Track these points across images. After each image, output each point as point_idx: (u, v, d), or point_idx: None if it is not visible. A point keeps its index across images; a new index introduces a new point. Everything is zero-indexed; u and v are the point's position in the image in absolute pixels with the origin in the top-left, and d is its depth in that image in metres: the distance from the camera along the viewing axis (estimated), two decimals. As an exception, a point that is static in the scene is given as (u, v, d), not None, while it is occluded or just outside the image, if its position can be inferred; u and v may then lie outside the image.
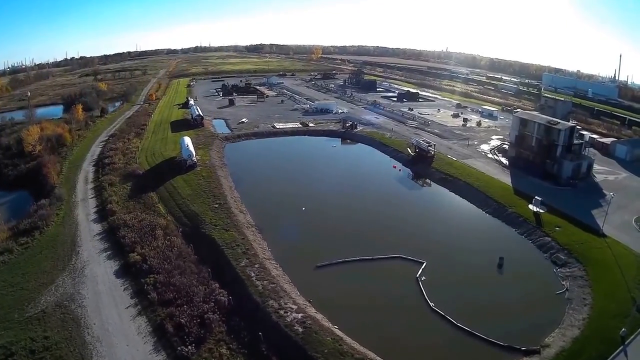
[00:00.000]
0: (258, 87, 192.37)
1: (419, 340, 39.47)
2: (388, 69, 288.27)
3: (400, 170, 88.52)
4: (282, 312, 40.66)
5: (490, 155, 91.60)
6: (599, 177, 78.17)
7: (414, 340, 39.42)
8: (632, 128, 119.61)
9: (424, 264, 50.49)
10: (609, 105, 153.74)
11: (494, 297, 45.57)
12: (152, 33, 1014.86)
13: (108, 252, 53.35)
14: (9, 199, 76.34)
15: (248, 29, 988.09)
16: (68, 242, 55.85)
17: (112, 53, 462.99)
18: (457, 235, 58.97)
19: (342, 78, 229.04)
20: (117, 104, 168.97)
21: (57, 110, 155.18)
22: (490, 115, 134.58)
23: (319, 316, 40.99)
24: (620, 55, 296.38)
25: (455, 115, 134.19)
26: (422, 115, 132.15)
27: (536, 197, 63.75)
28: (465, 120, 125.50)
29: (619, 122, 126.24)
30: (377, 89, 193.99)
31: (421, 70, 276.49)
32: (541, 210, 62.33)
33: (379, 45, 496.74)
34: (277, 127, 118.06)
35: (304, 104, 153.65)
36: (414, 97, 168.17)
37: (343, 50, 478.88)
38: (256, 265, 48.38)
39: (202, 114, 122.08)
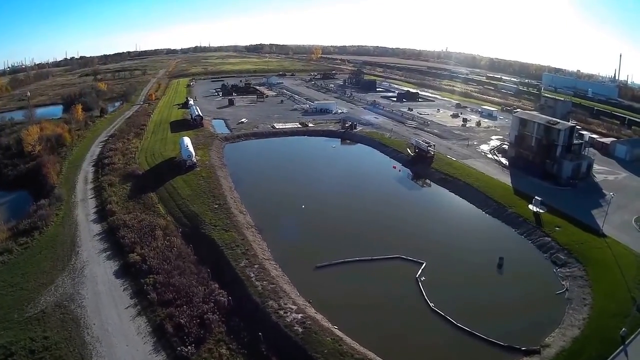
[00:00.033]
0: (258, 87, 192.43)
1: (418, 341, 39.44)
2: (388, 68, 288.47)
3: (399, 170, 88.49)
4: (281, 312, 40.62)
5: (489, 156, 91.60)
6: (598, 177, 78.17)
7: (413, 340, 39.40)
8: (632, 128, 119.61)
9: (424, 264, 50.46)
10: (609, 105, 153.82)
11: (493, 297, 45.55)
12: (151, 33, 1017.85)
13: (108, 253, 53.28)
14: (9, 199, 76.26)
15: (248, 29, 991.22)
16: (68, 242, 55.80)
17: (111, 53, 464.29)
18: (457, 236, 58.94)
19: (341, 78, 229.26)
20: (117, 104, 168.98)
21: (57, 110, 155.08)
22: (490, 115, 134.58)
23: (319, 316, 40.95)
24: (620, 55, 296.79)
25: (455, 115, 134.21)
26: (421, 115, 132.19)
27: (536, 197, 63.73)
28: (464, 120, 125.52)
29: (618, 122, 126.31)
30: (377, 89, 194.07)
31: (421, 70, 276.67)
32: (541, 210, 62.32)
33: (379, 45, 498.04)
34: (277, 127, 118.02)
35: (304, 104, 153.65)
36: (413, 97, 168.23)
37: (343, 50, 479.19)
38: (256, 266, 48.34)
39: (201, 114, 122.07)
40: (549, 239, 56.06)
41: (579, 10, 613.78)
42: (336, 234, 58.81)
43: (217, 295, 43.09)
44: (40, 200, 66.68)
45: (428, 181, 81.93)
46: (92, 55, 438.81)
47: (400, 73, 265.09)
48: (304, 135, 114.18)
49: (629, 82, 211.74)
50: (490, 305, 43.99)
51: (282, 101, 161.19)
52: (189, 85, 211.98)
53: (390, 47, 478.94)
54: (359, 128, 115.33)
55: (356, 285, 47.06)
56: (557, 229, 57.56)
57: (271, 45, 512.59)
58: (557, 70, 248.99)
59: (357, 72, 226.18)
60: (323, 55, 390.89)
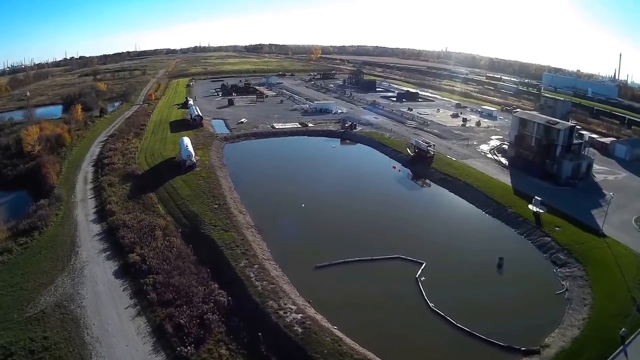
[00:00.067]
0: (257, 87, 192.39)
1: (418, 341, 39.44)
2: (387, 68, 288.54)
3: (399, 170, 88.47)
4: (281, 312, 40.60)
5: (489, 155, 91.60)
6: (598, 177, 78.16)
7: (413, 340, 39.40)
8: (632, 127, 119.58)
9: (424, 264, 50.44)
10: (609, 104, 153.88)
11: (493, 297, 45.53)
12: (151, 33, 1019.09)
13: (107, 253, 53.24)
14: (8, 199, 76.19)
15: (247, 28, 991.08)
16: (67, 242, 55.76)
17: (111, 53, 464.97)
18: (457, 236, 58.93)
19: (341, 78, 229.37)
20: (117, 104, 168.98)
21: (57, 110, 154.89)
22: (490, 115, 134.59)
23: (319, 317, 40.93)
24: (620, 55, 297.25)
25: (455, 115, 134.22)
26: (421, 115, 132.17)
27: (536, 197, 63.71)
28: (464, 120, 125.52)
29: (618, 122, 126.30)
30: (377, 89, 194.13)
31: (421, 70, 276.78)
32: (541, 210, 62.32)
33: (379, 45, 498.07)
34: (277, 127, 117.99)
35: (303, 104, 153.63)
36: (413, 97, 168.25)
37: (342, 50, 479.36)
38: (255, 266, 48.32)
39: (201, 114, 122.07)
40: (549, 239, 56.04)
41: (578, 10, 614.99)
42: (336, 234, 58.80)
43: (217, 296, 43.07)
44: (39, 201, 66.61)
45: (428, 181, 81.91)
46: (92, 55, 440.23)
47: (400, 73, 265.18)
48: (304, 135, 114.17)
49: (628, 82, 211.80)
50: (490, 306, 43.97)
51: (281, 101, 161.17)
52: (188, 85, 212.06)
53: (390, 47, 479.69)
54: (358, 128, 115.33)
55: (356, 286, 47.03)
56: (557, 229, 57.56)
57: (270, 45, 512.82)
58: (557, 70, 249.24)
59: (357, 72, 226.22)
60: (322, 55, 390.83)
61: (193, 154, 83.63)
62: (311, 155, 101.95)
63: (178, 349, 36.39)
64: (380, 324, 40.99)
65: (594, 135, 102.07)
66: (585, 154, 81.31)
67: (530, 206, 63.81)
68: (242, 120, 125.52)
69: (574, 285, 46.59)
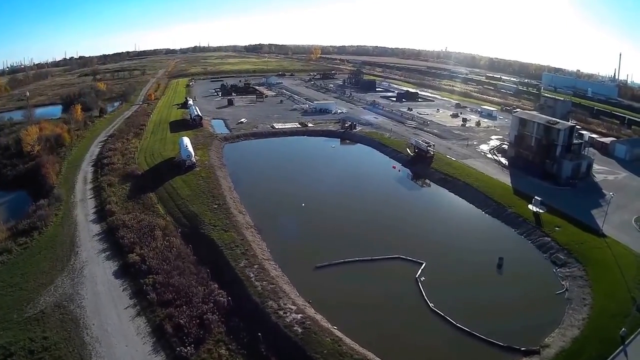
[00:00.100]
0: (257, 87, 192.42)
1: (418, 341, 39.40)
2: (387, 68, 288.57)
3: (399, 170, 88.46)
4: (281, 312, 40.58)
5: (489, 155, 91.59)
6: (598, 177, 78.16)
7: (413, 340, 39.36)
8: (632, 127, 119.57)
9: (424, 264, 50.42)
10: (609, 104, 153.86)
11: (493, 297, 45.49)
12: (151, 33, 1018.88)
13: (107, 253, 53.20)
14: (8, 199, 76.14)
15: (247, 28, 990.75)
16: (67, 242, 55.73)
17: (111, 53, 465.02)
18: (457, 236, 58.91)
19: (341, 78, 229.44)
20: (116, 104, 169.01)
21: (56, 110, 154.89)
22: (490, 115, 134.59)
23: (319, 317, 40.91)
24: (620, 55, 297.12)
25: (455, 115, 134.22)
26: (421, 115, 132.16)
27: (536, 197, 63.69)
28: (464, 120, 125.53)
29: (618, 122, 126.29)
30: (377, 89, 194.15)
31: (420, 70, 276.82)
32: (541, 210, 62.31)
33: (378, 45, 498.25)
34: (276, 127, 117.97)
35: (303, 104, 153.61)
36: (413, 97, 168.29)
37: (342, 50, 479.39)
38: (255, 266, 48.29)
39: (201, 114, 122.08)
40: (549, 239, 56.03)
41: (578, 9, 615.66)
42: (336, 234, 58.77)
43: (217, 296, 43.04)
44: (39, 201, 66.57)
45: (428, 181, 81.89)
46: (91, 55, 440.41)
47: (399, 73, 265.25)
48: (304, 135, 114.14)
49: (628, 82, 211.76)
50: (490, 306, 43.95)
51: (281, 101, 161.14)
52: (188, 85, 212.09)
53: (390, 47, 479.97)
54: (358, 128, 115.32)
55: (356, 286, 47.00)
56: (556, 228, 57.55)
57: (270, 45, 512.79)
58: (557, 70, 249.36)
59: (357, 72, 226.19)
60: (322, 55, 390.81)
61: (193, 154, 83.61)
62: (311, 156, 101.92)
63: (178, 349, 36.36)
64: (380, 324, 40.97)
65: (594, 135, 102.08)
66: (585, 154, 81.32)
67: (530, 206, 63.80)
68: (242, 120, 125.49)
69: (574, 285, 46.58)
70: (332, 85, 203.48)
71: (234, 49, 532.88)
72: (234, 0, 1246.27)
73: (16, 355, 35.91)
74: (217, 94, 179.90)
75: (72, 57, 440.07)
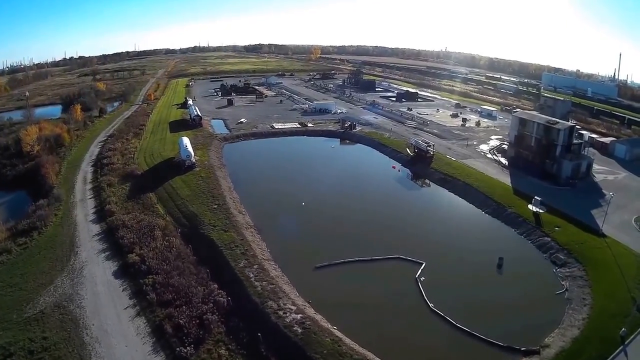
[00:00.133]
0: (257, 87, 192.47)
1: (418, 341, 39.36)
2: (387, 68, 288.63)
3: (399, 170, 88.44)
4: (281, 312, 40.56)
5: (489, 155, 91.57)
6: (598, 177, 78.13)
7: (413, 341, 39.32)
8: (632, 127, 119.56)
9: (423, 264, 50.39)
10: (609, 104, 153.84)
11: (493, 297, 45.48)
12: (150, 33, 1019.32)
13: (107, 253, 53.17)
14: (7, 200, 76.09)
15: (247, 28, 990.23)
16: (67, 242, 55.70)
17: (110, 53, 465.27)
18: (457, 236, 58.89)
19: (341, 78, 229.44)
20: (116, 104, 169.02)
21: (56, 110, 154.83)
22: (490, 115, 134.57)
23: (318, 317, 40.88)
24: (620, 54, 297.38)
25: (454, 115, 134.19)
26: (421, 115, 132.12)
27: (536, 197, 63.66)
28: (464, 120, 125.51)
29: (618, 122, 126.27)
30: (376, 89, 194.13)
31: (420, 70, 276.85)
32: (541, 210, 62.29)
33: (378, 45, 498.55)
34: (276, 127, 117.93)
35: (303, 104, 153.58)
36: (413, 97, 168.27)
37: (342, 50, 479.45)
38: (255, 266, 48.26)
39: (200, 114, 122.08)
40: (549, 239, 56.01)
41: (578, 9, 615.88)
42: (335, 234, 58.73)
43: (217, 296, 43.02)
44: (39, 201, 66.53)
45: (427, 181, 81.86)
46: (91, 55, 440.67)
47: (399, 73, 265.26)
48: (303, 136, 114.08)
49: (628, 82, 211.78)
50: (490, 306, 43.94)
51: (281, 101, 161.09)
52: (188, 85, 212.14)
53: (390, 47, 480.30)
54: (358, 128, 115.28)
55: (355, 286, 46.97)
56: (556, 228, 57.52)
57: (270, 45, 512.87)
58: (557, 70, 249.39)
59: (356, 72, 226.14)
60: (322, 55, 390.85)
61: (192, 154, 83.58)
62: (311, 156, 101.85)
63: (177, 349, 36.34)
64: (379, 324, 40.94)
65: (594, 135, 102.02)
66: (585, 153, 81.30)
67: (530, 206, 63.78)
68: (242, 120, 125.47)
69: (574, 285, 46.56)
70: (331, 85, 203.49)
71: (234, 49, 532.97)
72: (234, 1, 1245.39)
73: (16, 356, 35.88)
74: (217, 94, 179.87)
75: (71, 57, 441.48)
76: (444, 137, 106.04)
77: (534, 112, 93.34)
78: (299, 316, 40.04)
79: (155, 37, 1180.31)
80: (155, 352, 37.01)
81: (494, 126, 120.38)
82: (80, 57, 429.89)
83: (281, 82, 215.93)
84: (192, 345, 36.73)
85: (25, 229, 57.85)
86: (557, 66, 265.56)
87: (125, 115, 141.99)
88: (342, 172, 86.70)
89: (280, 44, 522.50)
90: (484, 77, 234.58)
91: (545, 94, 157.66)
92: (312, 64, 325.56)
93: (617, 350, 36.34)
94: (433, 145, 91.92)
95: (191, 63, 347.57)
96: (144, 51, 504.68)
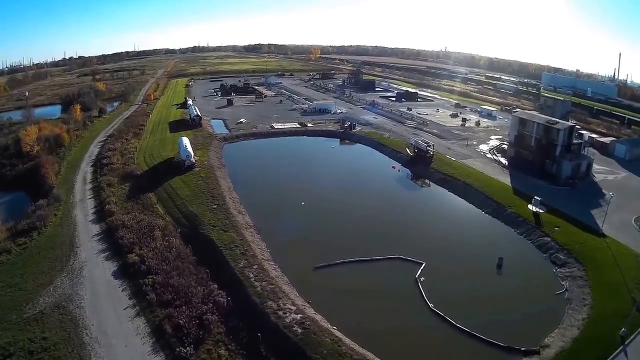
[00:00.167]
0: (256, 87, 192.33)
1: (418, 341, 39.35)
2: (387, 68, 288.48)
3: (399, 170, 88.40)
4: (280, 313, 40.53)
5: (489, 155, 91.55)
6: (598, 177, 78.11)
7: (413, 341, 39.30)
8: (632, 127, 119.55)
9: (423, 264, 50.38)
10: (609, 104, 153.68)
11: (493, 297, 45.45)
12: (150, 33, 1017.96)
13: (106, 253, 53.16)
14: (7, 200, 76.10)
15: (246, 29, 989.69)
16: (66, 242, 55.67)
17: (110, 53, 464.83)
18: (456, 236, 58.86)
19: (340, 78, 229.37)
20: (115, 104, 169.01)
21: (55, 110, 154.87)
22: (489, 115, 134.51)
23: (318, 317, 40.86)
24: (620, 54, 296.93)
25: (454, 115, 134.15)
26: (420, 115, 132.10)
27: (535, 197, 63.65)
28: (464, 120, 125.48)
29: (618, 122, 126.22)
30: (376, 89, 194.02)
31: (420, 69, 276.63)
32: (540, 210, 62.27)
33: (378, 45, 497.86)
34: (276, 127, 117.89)
35: (303, 104, 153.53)
36: (412, 96, 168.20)
37: (342, 50, 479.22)
38: (255, 266, 48.24)
39: (200, 114, 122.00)
40: (549, 238, 55.99)
41: (577, 10, 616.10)
42: (335, 234, 58.68)
43: (216, 296, 43.00)
44: (38, 201, 66.52)
45: (427, 181, 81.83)
46: (91, 55, 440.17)
47: (399, 73, 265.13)
48: (303, 136, 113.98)
49: (628, 82, 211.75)
50: (490, 306, 43.90)
51: (281, 101, 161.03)
52: (187, 85, 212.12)
53: (389, 47, 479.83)
54: (358, 128, 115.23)
55: (355, 286, 46.95)
56: (556, 228, 57.50)
57: (270, 45, 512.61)
58: (557, 70, 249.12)
59: (356, 72, 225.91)
60: (322, 55, 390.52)
61: (192, 154, 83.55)
62: (310, 156, 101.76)
63: (177, 349, 36.33)
64: (379, 325, 40.86)
65: (594, 135, 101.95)
66: (585, 153, 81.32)
67: (529, 206, 63.76)
68: (241, 120, 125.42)
69: (574, 285, 46.54)
70: (331, 85, 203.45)
71: (234, 48, 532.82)
72: (233, 3, 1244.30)
73: (15, 356, 35.89)
74: (217, 94, 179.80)
75: (71, 57, 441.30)
76: (443, 137, 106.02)
77: (534, 112, 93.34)
78: (298, 316, 40.01)
79: (155, 38, 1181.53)
80: (155, 352, 36.99)
81: (494, 126, 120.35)
82: (79, 57, 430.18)
83: (281, 82, 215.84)
84: (192, 346, 36.71)
85: (25, 229, 57.84)
86: (556, 66, 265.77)
87: (125, 115, 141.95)
88: (342, 172, 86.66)
89: (279, 44, 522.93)
90: (483, 77, 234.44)
91: (545, 94, 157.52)
92: (312, 64, 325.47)
93: (617, 351, 36.30)
94: (433, 145, 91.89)
95: (191, 63, 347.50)
96: (144, 51, 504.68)
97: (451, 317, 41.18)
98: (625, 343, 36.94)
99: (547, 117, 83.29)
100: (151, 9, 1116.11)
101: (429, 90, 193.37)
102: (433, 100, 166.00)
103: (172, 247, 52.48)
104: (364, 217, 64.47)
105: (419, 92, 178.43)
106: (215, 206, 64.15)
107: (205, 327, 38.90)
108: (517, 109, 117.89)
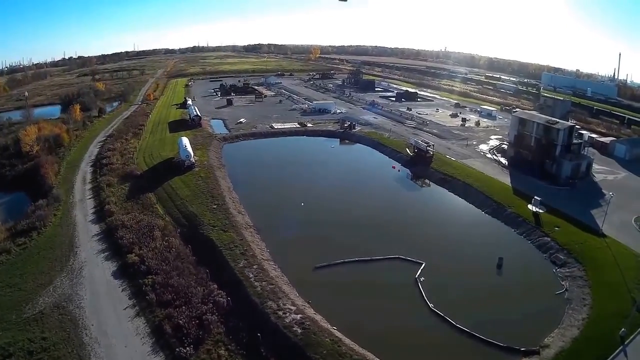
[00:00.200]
0: (256, 87, 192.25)
1: (417, 341, 39.29)
2: (387, 68, 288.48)
3: (399, 170, 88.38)
4: (280, 313, 40.51)
5: (489, 155, 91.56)
6: (598, 177, 78.14)
7: (413, 341, 39.24)
8: (632, 127, 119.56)
9: (423, 264, 50.36)
10: (608, 104, 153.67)
11: (493, 297, 45.44)
12: (150, 33, 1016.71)
13: (106, 253, 53.12)
14: (7, 200, 75.97)
15: (246, 29, 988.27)
16: (66, 242, 55.62)
17: (110, 53, 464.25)
18: (456, 236, 58.86)
19: (340, 78, 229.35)
20: (115, 104, 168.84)
21: (55, 110, 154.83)
22: (489, 115, 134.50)
23: (318, 317, 40.83)
24: (620, 54, 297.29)
25: (454, 115, 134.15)
26: (420, 115, 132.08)
27: (535, 197, 63.64)
28: (463, 120, 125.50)
29: (618, 121, 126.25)
30: (376, 89, 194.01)
31: (420, 69, 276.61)
32: (540, 210, 62.25)
33: (378, 45, 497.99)
34: (276, 127, 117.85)
35: (302, 104, 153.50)
36: (412, 96, 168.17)
37: (341, 50, 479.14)
38: (255, 266, 48.20)
39: (200, 114, 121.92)
40: (549, 239, 55.98)
41: (577, 10, 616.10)
42: (335, 234, 58.56)
43: (216, 296, 42.97)
44: (38, 201, 66.46)
45: (427, 181, 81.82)
46: (90, 55, 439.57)
47: (399, 73, 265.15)
48: (303, 136, 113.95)
49: (628, 81, 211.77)
50: (490, 306, 43.87)
51: (280, 101, 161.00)
52: (187, 85, 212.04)
53: (389, 47, 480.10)
54: (357, 128, 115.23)
55: (355, 286, 46.94)
56: (556, 228, 57.49)
57: (269, 45, 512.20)
58: (556, 70, 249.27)
59: (356, 72, 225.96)
60: (321, 55, 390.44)
61: (192, 154, 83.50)
62: (310, 156, 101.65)
63: (177, 349, 36.29)
64: (379, 325, 40.82)
65: (594, 135, 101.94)
66: (585, 153, 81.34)
67: (529, 206, 63.75)
68: (241, 120, 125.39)
69: (574, 285, 46.54)
70: (331, 85, 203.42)
71: (233, 48, 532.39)
72: (233, 3, 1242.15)
73: (15, 356, 35.85)
74: (216, 94, 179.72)
75: (71, 57, 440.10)
76: (443, 137, 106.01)
77: (534, 112, 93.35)
78: (298, 316, 39.99)
79: (155, 38, 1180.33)
80: (155, 352, 36.96)
81: (494, 126, 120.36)
82: (79, 57, 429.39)
83: (280, 82, 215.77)
84: (192, 346, 36.68)
85: (25, 229, 57.78)
86: (556, 66, 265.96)
87: (125, 115, 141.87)
88: (342, 172, 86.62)
89: (279, 44, 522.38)
90: (483, 77, 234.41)
91: (545, 94, 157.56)
92: (312, 64, 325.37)
93: (617, 351, 36.29)
94: (433, 145, 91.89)
95: (190, 63, 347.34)
96: (143, 51, 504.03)
97: (451, 317, 41.16)
98: (625, 343, 36.92)
99: (547, 117, 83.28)
100: (151, 9, 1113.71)
101: (429, 90, 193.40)
102: (433, 100, 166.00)
103: (172, 247, 52.43)
104: (364, 217, 64.44)
105: (418, 92, 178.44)
106: (215, 206, 64.11)
107: (205, 327, 38.87)
108: (517, 109, 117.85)
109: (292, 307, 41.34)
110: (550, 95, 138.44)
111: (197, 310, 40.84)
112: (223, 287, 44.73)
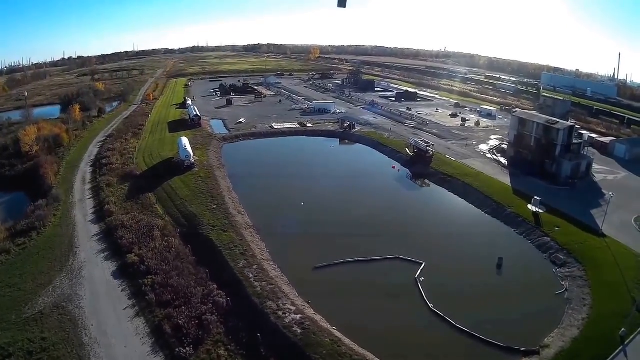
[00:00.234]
0: (256, 87, 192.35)
1: (417, 341, 39.28)
2: (386, 68, 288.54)
3: (399, 170, 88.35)
4: (280, 313, 40.48)
5: (489, 155, 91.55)
6: (598, 177, 78.16)
7: (412, 341, 39.23)
8: (632, 127, 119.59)
9: (423, 264, 50.34)
10: (608, 104, 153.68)
11: (493, 297, 45.42)
12: (150, 33, 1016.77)
13: (106, 253, 53.08)
14: (6, 200, 75.86)
15: (246, 29, 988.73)
16: (65, 243, 55.57)
17: (109, 53, 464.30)
18: (456, 236, 58.81)
19: (340, 78, 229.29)
20: (115, 104, 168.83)
21: (55, 110, 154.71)
22: (489, 115, 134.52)
23: (318, 317, 40.80)
24: (620, 54, 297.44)
25: (454, 115, 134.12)
26: (420, 115, 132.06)
27: (535, 197, 63.63)
28: (463, 120, 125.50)
29: (618, 121, 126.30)
30: (376, 89, 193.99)
31: (419, 69, 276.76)
32: (540, 210, 62.24)
33: (377, 45, 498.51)
34: (275, 127, 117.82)
35: (302, 104, 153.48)
36: (412, 96, 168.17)
37: (341, 50, 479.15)
38: (254, 267, 48.17)
39: (199, 114, 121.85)
40: (548, 238, 55.96)
41: (577, 10, 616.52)
42: (335, 234, 58.48)
43: (216, 296, 42.94)
44: (37, 201, 66.40)
45: (427, 181, 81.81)
46: (90, 55, 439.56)
47: (398, 73, 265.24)
48: (303, 136, 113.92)
49: (628, 81, 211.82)
50: (489, 306, 43.83)
51: (280, 101, 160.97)
52: (186, 85, 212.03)
53: (389, 46, 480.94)
54: (357, 128, 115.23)
55: (355, 286, 46.91)
56: (556, 228, 57.48)
57: (269, 45, 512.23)
58: (556, 70, 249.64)
59: (356, 71, 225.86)
60: (321, 55, 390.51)
61: (191, 154, 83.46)
62: (310, 156, 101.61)
63: (177, 349, 36.25)
64: (379, 325, 40.78)
65: (594, 135, 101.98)
66: (585, 153, 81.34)
67: (529, 206, 63.73)
68: (241, 120, 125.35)
69: (574, 285, 46.52)
70: (331, 85, 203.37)
71: (233, 48, 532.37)
72: (233, 3, 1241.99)
73: (15, 356, 35.81)
74: (216, 94, 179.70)
75: (70, 57, 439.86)
76: (443, 137, 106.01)
77: (534, 112, 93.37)
78: (298, 316, 39.96)
79: (154, 38, 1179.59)
80: (155, 352, 36.92)
81: (494, 126, 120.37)
82: (79, 57, 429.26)
83: (280, 82, 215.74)
84: (191, 346, 36.64)
85: (24, 230, 57.73)
86: (556, 66, 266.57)
87: (124, 115, 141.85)
88: (342, 172, 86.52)
89: (279, 43, 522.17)
90: (483, 77, 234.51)
91: (545, 94, 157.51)
92: (311, 64, 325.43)
93: (617, 351, 36.28)
94: (432, 145, 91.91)
95: (190, 63, 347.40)
96: (143, 51, 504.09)
97: (451, 317, 41.14)
98: (625, 343, 36.91)
99: (546, 117, 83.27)
100: (150, 9, 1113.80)
101: (429, 90, 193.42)
102: (433, 100, 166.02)
103: (172, 247, 52.38)
104: (364, 217, 64.42)
105: (418, 92, 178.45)
106: (214, 206, 64.08)
107: (204, 327, 38.83)
108: (517, 109, 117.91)
109: (292, 307, 41.31)
110: (550, 95, 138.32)
111: (197, 310, 40.80)
112: (223, 287, 44.68)
